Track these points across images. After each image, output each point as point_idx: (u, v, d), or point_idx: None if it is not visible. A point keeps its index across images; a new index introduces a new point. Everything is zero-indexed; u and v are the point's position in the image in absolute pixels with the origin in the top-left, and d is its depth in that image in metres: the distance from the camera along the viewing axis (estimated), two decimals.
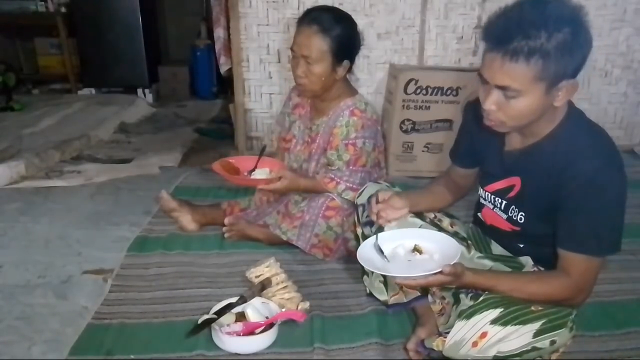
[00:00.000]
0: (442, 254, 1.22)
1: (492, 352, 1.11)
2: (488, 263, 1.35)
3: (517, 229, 1.27)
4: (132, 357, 1.35)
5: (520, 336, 1.11)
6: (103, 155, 3.02)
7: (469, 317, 1.15)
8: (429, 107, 2.65)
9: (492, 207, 1.34)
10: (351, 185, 1.75)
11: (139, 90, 4.51)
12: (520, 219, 1.25)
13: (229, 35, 2.85)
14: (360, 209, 1.54)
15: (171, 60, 5.04)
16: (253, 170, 1.92)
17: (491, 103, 1.08)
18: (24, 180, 2.56)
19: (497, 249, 1.40)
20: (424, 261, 1.22)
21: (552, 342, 1.13)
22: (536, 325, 1.12)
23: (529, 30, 0.99)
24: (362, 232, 1.53)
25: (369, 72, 2.87)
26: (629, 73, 2.98)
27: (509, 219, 1.29)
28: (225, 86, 4.25)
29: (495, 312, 1.14)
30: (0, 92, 3.93)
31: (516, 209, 1.26)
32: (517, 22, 1.01)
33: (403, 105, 2.65)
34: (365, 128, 1.75)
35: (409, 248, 1.27)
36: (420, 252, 1.25)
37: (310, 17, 1.70)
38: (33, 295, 1.62)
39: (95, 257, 1.85)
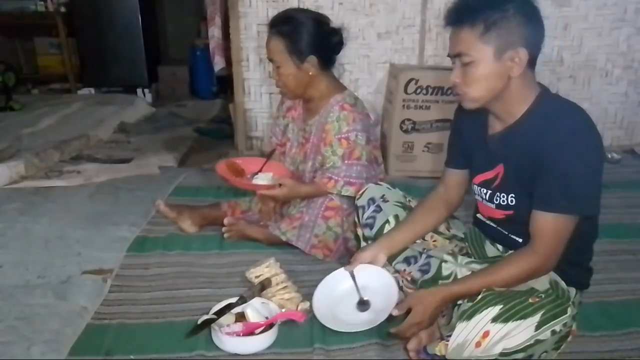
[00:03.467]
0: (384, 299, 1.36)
1: (497, 350, 1.11)
2: (476, 267, 1.36)
3: (510, 212, 1.29)
4: (131, 357, 1.35)
5: (522, 331, 1.11)
6: (102, 155, 3.01)
7: (469, 317, 1.16)
8: (429, 106, 2.65)
9: (480, 199, 1.37)
10: (348, 179, 1.75)
11: (139, 90, 4.51)
12: (512, 201, 1.28)
13: (223, 34, 2.85)
14: (360, 211, 1.54)
15: (171, 60, 5.04)
16: (256, 173, 1.92)
17: (455, 76, 1.21)
18: (23, 180, 2.56)
19: (491, 250, 1.41)
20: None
21: (553, 332, 1.12)
22: (536, 318, 1.12)
23: (473, 3, 1.16)
24: (363, 234, 1.53)
25: (369, 72, 2.87)
26: (629, 73, 2.98)
27: (498, 206, 1.31)
28: (224, 86, 4.25)
29: (495, 310, 1.14)
30: (0, 92, 3.92)
31: (503, 195, 1.29)
32: (465, 1, 1.18)
33: (403, 105, 2.65)
34: (357, 121, 1.76)
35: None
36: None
37: (270, 23, 1.80)
38: (32, 296, 1.62)
39: (95, 257, 1.85)
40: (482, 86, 1.19)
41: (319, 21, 1.79)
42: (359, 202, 1.57)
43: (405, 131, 2.69)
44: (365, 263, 1.43)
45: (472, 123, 1.35)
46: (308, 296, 1.57)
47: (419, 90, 2.62)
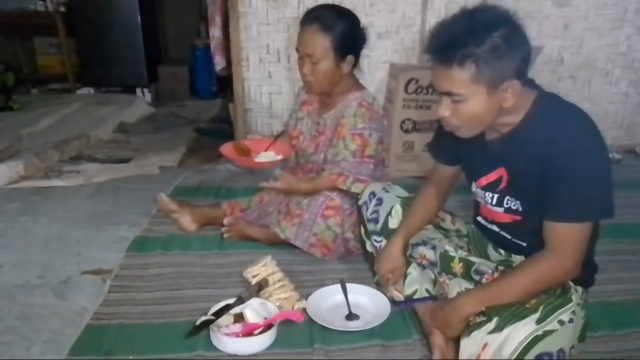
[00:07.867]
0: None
1: (505, 356, 1.08)
2: (474, 260, 1.36)
3: (519, 218, 1.26)
4: (131, 357, 1.35)
5: (521, 328, 1.08)
6: (102, 155, 3.01)
7: (469, 334, 1.16)
8: (430, 106, 2.64)
9: (485, 203, 1.34)
10: (359, 176, 1.75)
11: (138, 90, 4.50)
12: (519, 208, 1.25)
13: (224, 34, 2.84)
14: (364, 208, 1.59)
15: (170, 60, 5.04)
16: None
17: (443, 110, 1.16)
18: (23, 180, 2.56)
19: (493, 254, 1.39)
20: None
21: (561, 322, 1.10)
22: (537, 315, 1.10)
23: (460, 39, 1.07)
24: (368, 229, 1.58)
25: (370, 72, 2.86)
26: (630, 73, 2.98)
27: (508, 210, 1.27)
28: (224, 86, 4.25)
29: (492, 324, 1.12)
30: (0, 91, 3.92)
31: (512, 199, 1.26)
32: (449, 33, 1.09)
33: (403, 105, 2.65)
34: (373, 120, 1.76)
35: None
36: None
37: (311, 16, 1.74)
38: (32, 296, 1.62)
39: (95, 257, 1.85)
40: (476, 121, 1.15)
41: (358, 20, 1.79)
42: (361, 200, 1.59)
43: (406, 131, 2.69)
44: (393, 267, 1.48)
45: None
46: (305, 296, 1.58)
47: (419, 90, 2.62)
